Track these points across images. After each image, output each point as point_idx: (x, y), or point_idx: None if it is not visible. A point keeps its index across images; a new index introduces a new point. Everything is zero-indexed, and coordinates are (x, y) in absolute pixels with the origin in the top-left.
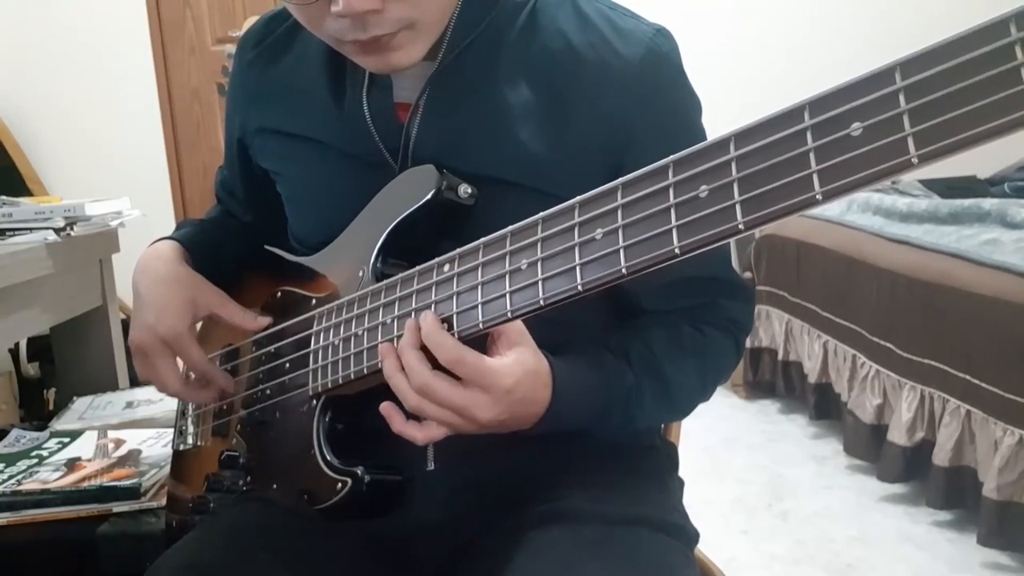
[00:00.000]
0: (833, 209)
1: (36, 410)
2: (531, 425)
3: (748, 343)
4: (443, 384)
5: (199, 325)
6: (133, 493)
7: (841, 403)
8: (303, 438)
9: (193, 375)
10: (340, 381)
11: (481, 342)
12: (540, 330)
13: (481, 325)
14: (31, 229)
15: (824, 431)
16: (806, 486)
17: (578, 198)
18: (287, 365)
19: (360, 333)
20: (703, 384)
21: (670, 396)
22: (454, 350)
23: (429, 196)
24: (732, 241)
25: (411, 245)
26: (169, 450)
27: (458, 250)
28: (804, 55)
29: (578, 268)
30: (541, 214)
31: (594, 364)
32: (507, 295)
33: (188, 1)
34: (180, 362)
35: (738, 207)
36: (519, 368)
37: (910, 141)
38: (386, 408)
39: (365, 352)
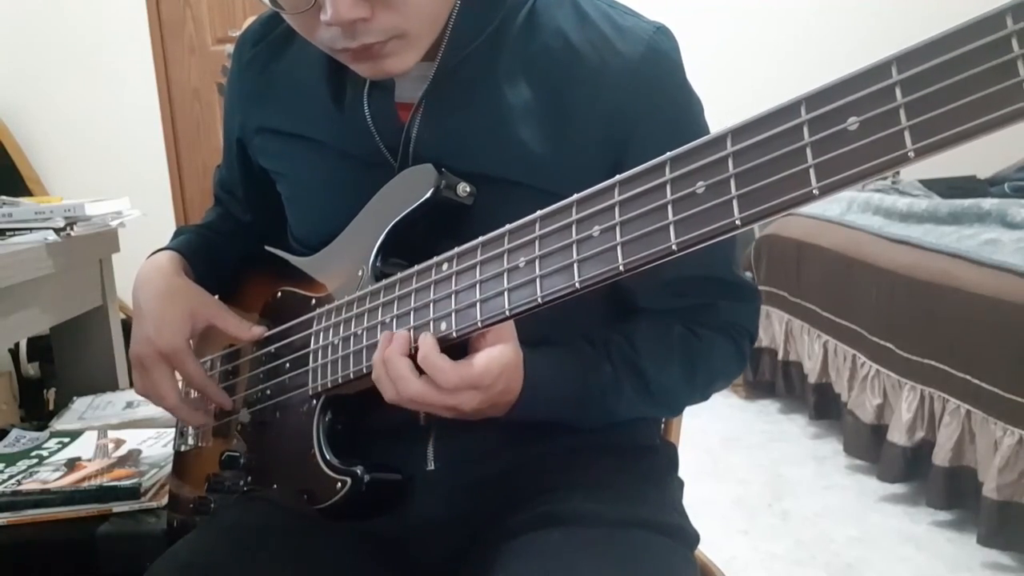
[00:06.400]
0: (833, 209)
1: (36, 410)
2: (503, 413)
3: None
4: (432, 392)
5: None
6: (133, 493)
7: (841, 403)
8: (303, 438)
9: (193, 392)
10: (340, 381)
11: None
12: (537, 328)
13: (480, 324)
14: (31, 229)
15: (824, 431)
16: (806, 486)
17: (575, 196)
18: (287, 365)
19: (359, 332)
20: (691, 386)
21: (651, 393)
22: (452, 376)
23: (428, 195)
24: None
25: (410, 244)
26: (169, 450)
27: (456, 249)
28: (800, 52)
29: (576, 265)
30: (539, 212)
31: (570, 356)
32: (505, 293)
33: (188, 1)
34: (180, 377)
35: (735, 203)
36: (503, 361)
37: (907, 135)
38: None
39: (365, 351)
